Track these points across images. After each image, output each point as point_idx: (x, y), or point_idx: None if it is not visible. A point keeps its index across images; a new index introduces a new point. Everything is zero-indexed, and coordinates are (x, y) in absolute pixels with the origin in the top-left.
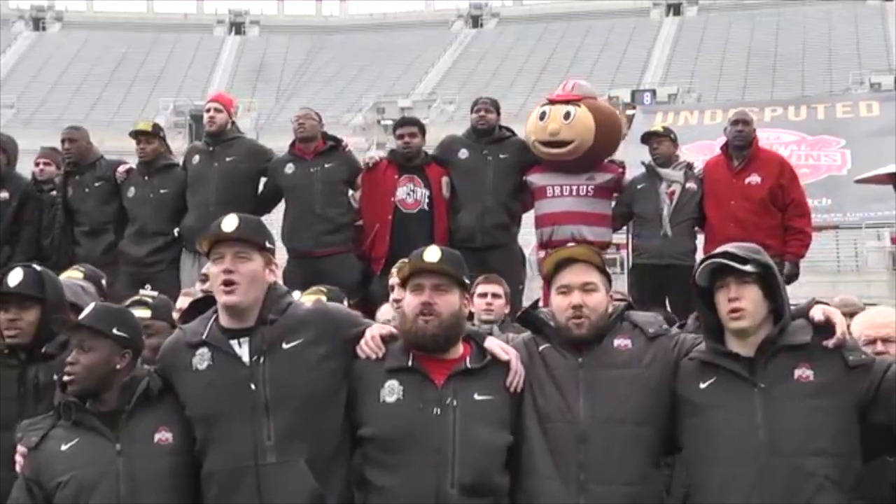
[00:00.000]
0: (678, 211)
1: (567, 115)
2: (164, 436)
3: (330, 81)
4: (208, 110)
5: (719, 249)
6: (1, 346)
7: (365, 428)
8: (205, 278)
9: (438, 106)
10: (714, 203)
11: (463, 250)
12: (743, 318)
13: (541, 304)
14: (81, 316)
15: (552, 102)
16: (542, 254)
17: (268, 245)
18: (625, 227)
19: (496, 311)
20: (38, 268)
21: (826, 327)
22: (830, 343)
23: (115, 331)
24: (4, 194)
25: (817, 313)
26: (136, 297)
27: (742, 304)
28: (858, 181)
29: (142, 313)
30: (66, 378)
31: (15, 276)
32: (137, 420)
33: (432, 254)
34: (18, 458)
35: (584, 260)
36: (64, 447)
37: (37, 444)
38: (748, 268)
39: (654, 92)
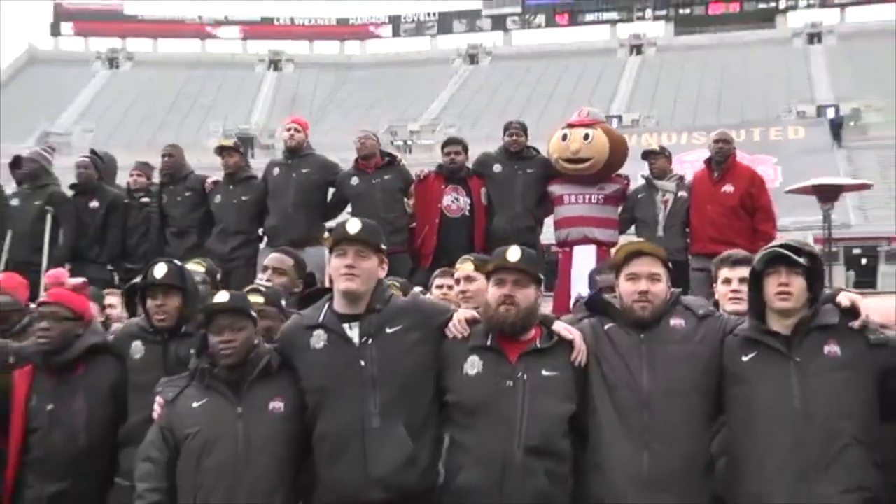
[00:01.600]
0: (671, 216)
1: (586, 137)
2: (277, 405)
3: (351, 109)
4: (288, 129)
5: (777, 242)
6: (148, 326)
7: (450, 395)
8: (265, 269)
9: (442, 129)
10: (696, 208)
11: None
12: (788, 300)
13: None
14: (225, 301)
15: (572, 126)
16: (558, 250)
17: (382, 247)
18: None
19: None
20: (178, 263)
21: (851, 311)
22: (855, 324)
23: (253, 313)
24: (95, 203)
25: (843, 300)
26: (252, 286)
27: (790, 288)
28: (788, 192)
29: (256, 299)
30: (225, 352)
31: (160, 270)
32: (257, 389)
33: (514, 254)
34: (156, 408)
35: (651, 253)
36: (195, 405)
37: (173, 399)
38: (801, 259)
39: (620, 117)
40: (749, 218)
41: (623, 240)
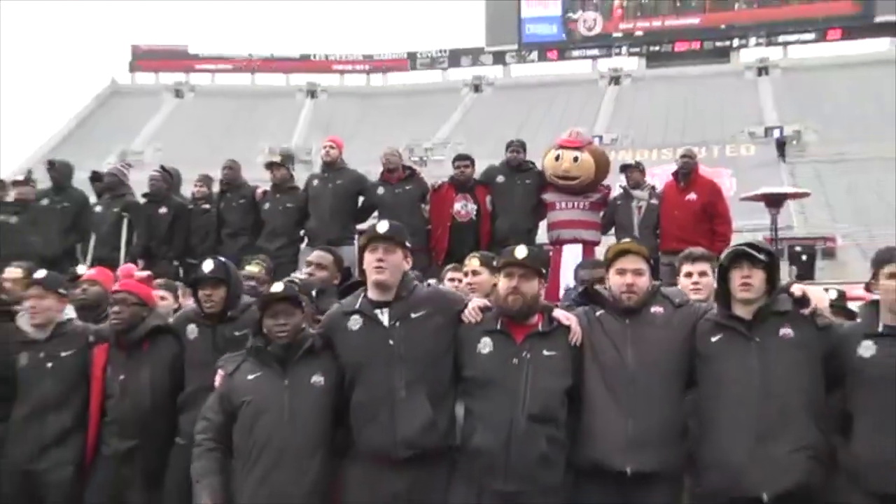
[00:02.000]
0: (645, 220)
1: (576, 159)
2: (318, 380)
3: (376, 130)
4: (325, 147)
5: (743, 241)
6: (200, 312)
7: (465, 370)
8: (308, 265)
9: (452, 147)
10: (665, 213)
11: (501, 248)
12: (750, 291)
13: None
14: (280, 291)
15: (563, 147)
16: (550, 248)
17: (406, 244)
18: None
19: None
20: (222, 259)
21: (802, 300)
22: (806, 311)
23: (302, 302)
24: (163, 209)
25: (796, 290)
26: (288, 279)
27: (752, 280)
28: (742, 199)
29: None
30: (279, 333)
31: (207, 266)
32: (302, 366)
33: (521, 252)
34: (217, 378)
35: (637, 252)
36: (250, 377)
37: (231, 372)
38: (761, 256)
39: (601, 137)
40: (709, 222)
41: (605, 240)
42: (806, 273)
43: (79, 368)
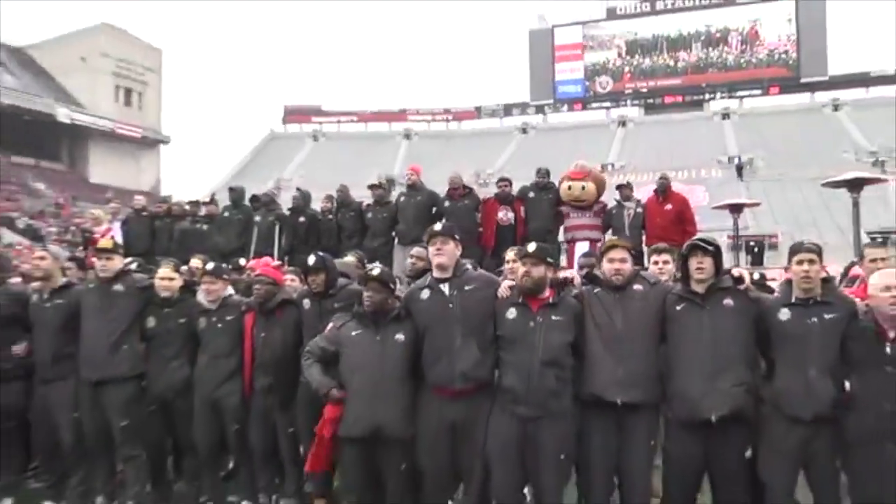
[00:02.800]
0: (632, 225)
1: (583, 188)
2: (400, 337)
3: (452, 163)
4: (408, 174)
5: (696, 237)
6: (310, 291)
7: (499, 331)
8: (411, 257)
9: (506, 174)
10: (648, 219)
11: None
12: (703, 273)
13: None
14: (376, 274)
15: (572, 178)
16: (566, 245)
17: (456, 237)
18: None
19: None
20: (321, 253)
21: (739, 279)
22: (741, 287)
23: (390, 284)
24: (302, 219)
25: (735, 272)
26: (371, 267)
27: (703, 265)
28: (713, 208)
29: None
30: (366, 304)
31: (311, 259)
32: (389, 327)
33: (531, 247)
34: (327, 331)
35: (623, 246)
36: (353, 333)
37: (339, 326)
38: (710, 248)
39: (612, 164)
40: (681, 225)
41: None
42: (756, 261)
43: (238, 329)
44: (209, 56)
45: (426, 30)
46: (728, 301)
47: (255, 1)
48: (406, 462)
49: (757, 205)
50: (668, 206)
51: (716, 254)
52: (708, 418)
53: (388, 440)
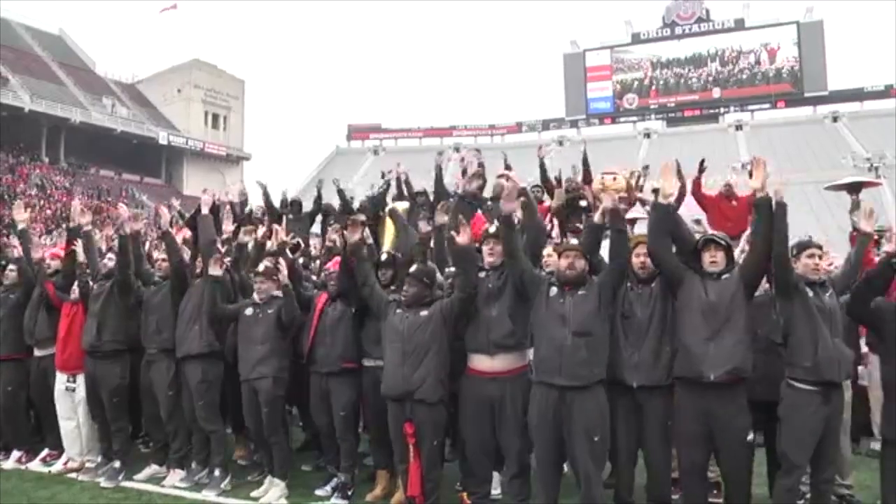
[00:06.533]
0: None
1: (614, 179)
2: (426, 313)
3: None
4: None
5: (709, 233)
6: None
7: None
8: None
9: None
10: (717, 218)
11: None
12: (716, 266)
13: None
14: (412, 270)
15: (603, 174)
16: None
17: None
18: None
19: None
20: (392, 251)
21: None
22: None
23: (424, 279)
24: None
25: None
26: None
27: (717, 258)
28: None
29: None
30: (404, 296)
31: (383, 256)
32: (417, 308)
33: (574, 241)
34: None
35: (646, 243)
36: (397, 311)
37: (388, 301)
38: (723, 242)
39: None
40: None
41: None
42: None
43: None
44: (284, 83)
45: (472, 55)
46: (731, 278)
47: (321, 35)
48: (437, 424)
49: None
50: (734, 203)
51: (727, 248)
52: (707, 377)
53: (419, 402)
